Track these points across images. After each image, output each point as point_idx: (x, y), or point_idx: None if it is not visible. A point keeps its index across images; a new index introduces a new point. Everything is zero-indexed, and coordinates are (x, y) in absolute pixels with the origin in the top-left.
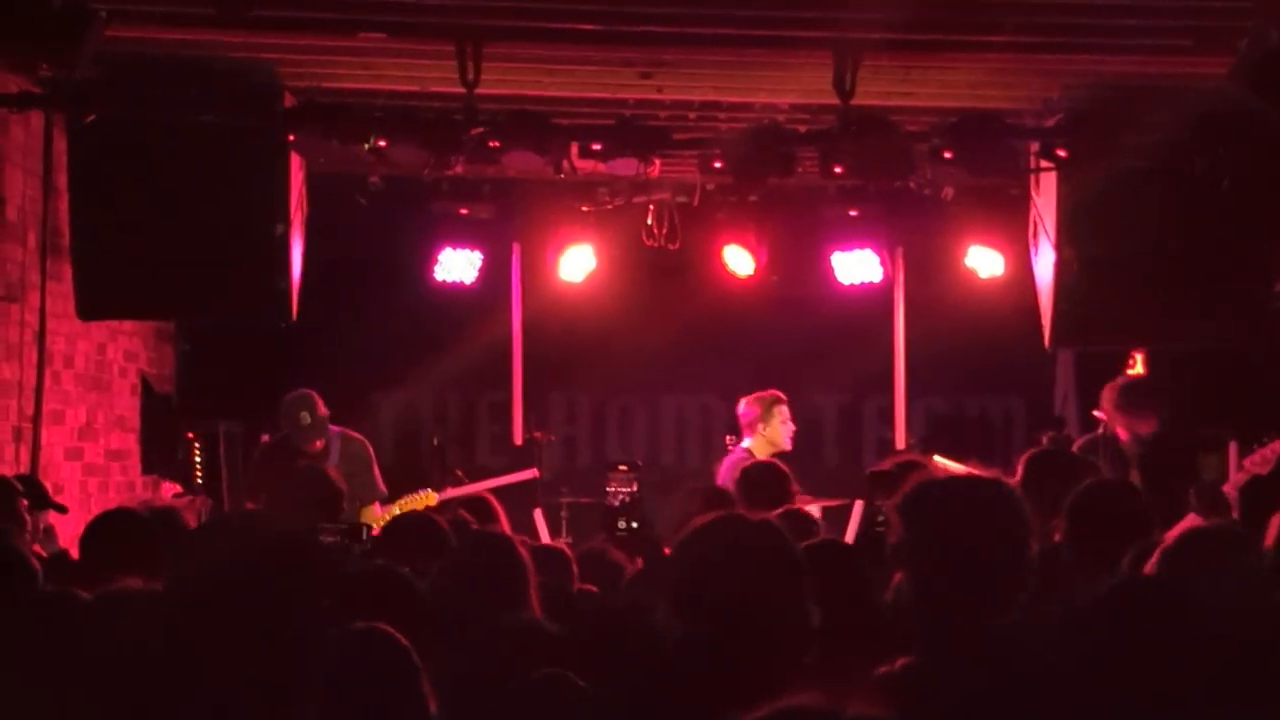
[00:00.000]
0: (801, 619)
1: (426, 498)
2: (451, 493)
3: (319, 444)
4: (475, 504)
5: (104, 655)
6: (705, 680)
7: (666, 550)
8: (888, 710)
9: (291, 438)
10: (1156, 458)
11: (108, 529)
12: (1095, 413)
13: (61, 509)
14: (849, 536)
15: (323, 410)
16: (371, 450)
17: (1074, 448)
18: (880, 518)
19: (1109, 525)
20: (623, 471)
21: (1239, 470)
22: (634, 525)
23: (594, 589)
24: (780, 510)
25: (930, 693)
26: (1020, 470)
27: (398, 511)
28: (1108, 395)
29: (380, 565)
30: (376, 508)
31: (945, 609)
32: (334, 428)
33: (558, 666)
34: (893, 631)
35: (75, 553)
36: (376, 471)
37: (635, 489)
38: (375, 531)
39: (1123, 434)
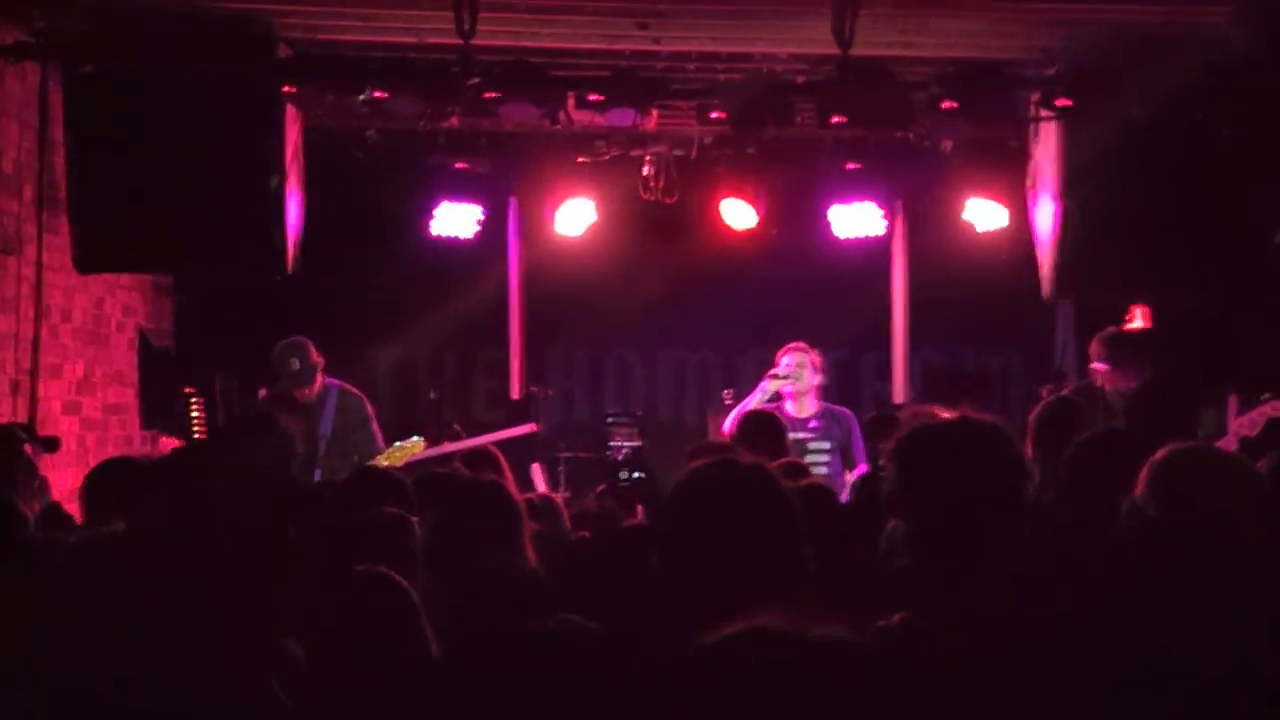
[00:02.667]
0: (793, 562)
1: (413, 446)
2: (449, 447)
3: (309, 392)
4: (479, 456)
5: (89, 598)
6: (692, 621)
7: None
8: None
9: (285, 386)
10: (1143, 411)
11: (108, 476)
12: (1093, 365)
13: (51, 444)
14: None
15: (315, 358)
16: (369, 406)
17: None
18: (881, 461)
19: (1109, 475)
20: (626, 424)
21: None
22: (635, 475)
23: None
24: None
25: (928, 648)
26: (1030, 421)
27: (385, 463)
28: (1094, 346)
29: (375, 512)
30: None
31: (939, 551)
32: (333, 381)
33: (550, 611)
34: (883, 577)
35: (70, 507)
36: (375, 428)
37: (639, 442)
38: None
39: (1106, 385)
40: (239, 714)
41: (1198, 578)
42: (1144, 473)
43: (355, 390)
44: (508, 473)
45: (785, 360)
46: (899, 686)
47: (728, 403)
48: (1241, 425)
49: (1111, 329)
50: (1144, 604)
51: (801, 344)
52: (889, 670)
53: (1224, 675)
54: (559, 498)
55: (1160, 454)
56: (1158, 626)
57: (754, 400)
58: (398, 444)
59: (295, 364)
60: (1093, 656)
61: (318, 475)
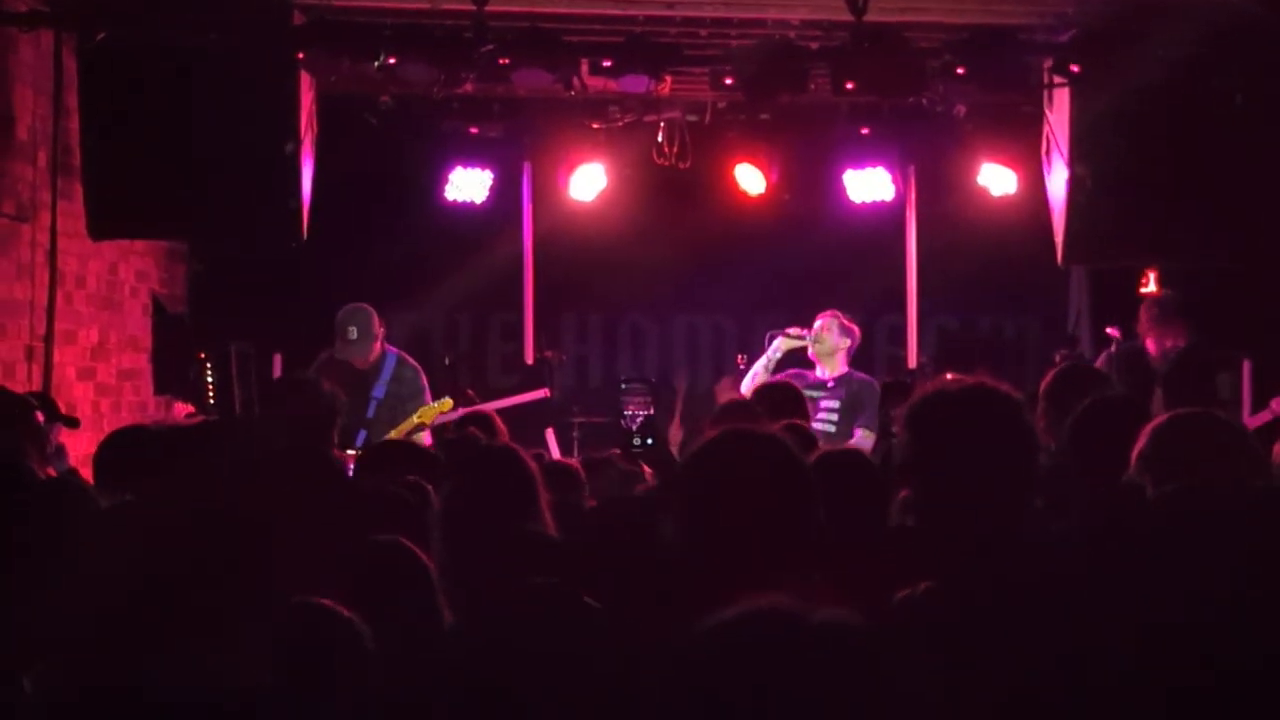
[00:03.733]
0: (807, 532)
1: (442, 405)
2: (463, 412)
3: (364, 361)
4: (476, 420)
5: (107, 565)
6: (708, 591)
7: None
8: (862, 619)
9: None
10: (1179, 375)
11: (121, 445)
12: (1108, 329)
13: (73, 422)
14: None
15: (376, 328)
16: (424, 378)
17: (1097, 365)
18: (894, 428)
19: (1111, 442)
20: (639, 390)
21: (1265, 408)
22: (649, 442)
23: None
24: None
25: (954, 617)
26: (1044, 385)
27: (417, 421)
28: (1143, 311)
29: (392, 480)
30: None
31: (949, 521)
32: (392, 349)
33: (566, 578)
34: (898, 545)
35: (86, 473)
36: (428, 399)
37: (651, 411)
38: None
39: (1153, 348)
40: (235, 695)
41: (1200, 549)
42: (1138, 443)
43: (413, 361)
44: (504, 435)
45: (816, 324)
46: (902, 670)
47: (741, 367)
48: None
49: (1154, 292)
50: (1150, 575)
51: (834, 311)
52: (892, 653)
53: (1235, 645)
54: (576, 463)
55: (1153, 423)
56: (1165, 599)
57: (763, 361)
58: (427, 406)
59: (353, 332)
60: (1107, 628)
61: (363, 437)
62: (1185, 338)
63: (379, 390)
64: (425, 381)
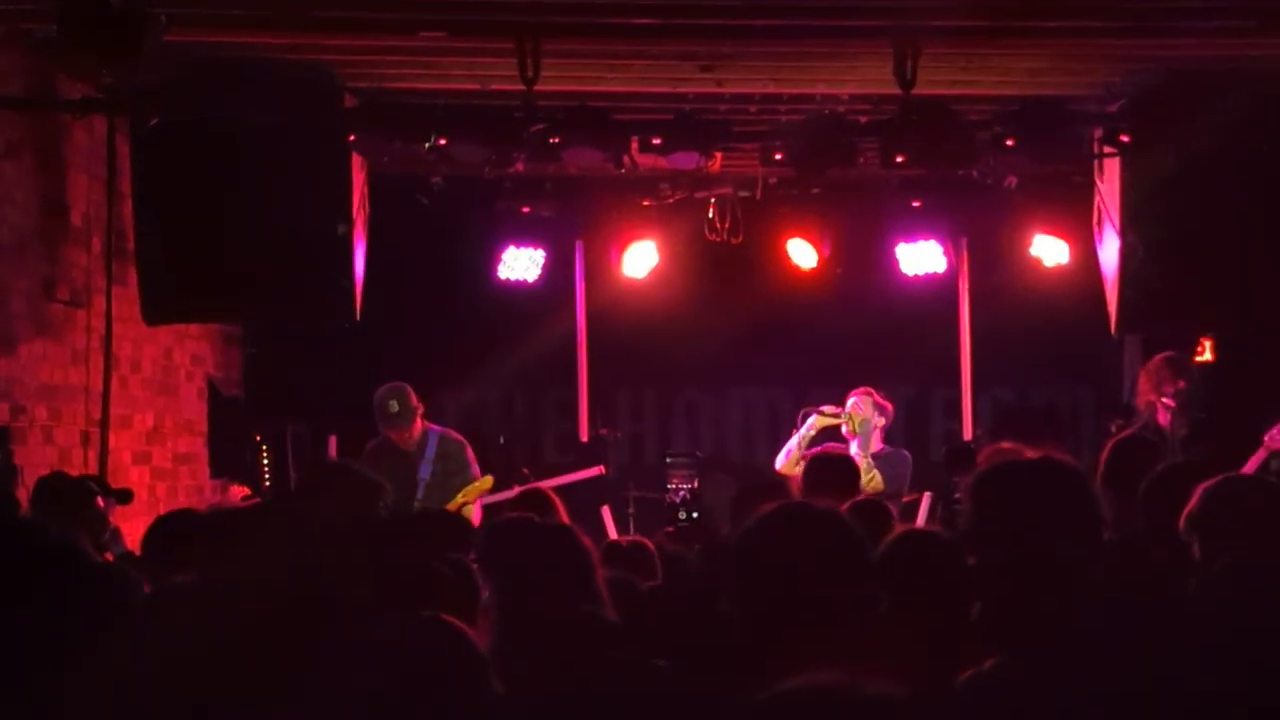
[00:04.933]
0: (863, 604)
1: (483, 483)
2: (519, 490)
3: (409, 435)
4: (532, 497)
5: (161, 646)
6: (765, 665)
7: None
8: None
9: (384, 433)
10: (1203, 444)
11: (169, 529)
12: (1164, 399)
13: (125, 496)
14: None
15: (415, 403)
16: (470, 451)
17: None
18: (956, 494)
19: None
20: (683, 465)
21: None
22: (694, 516)
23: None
24: (853, 500)
25: (1023, 695)
26: (1103, 457)
27: (460, 500)
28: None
29: (445, 559)
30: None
31: (1013, 592)
32: (434, 427)
33: (622, 657)
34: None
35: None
36: (476, 472)
37: (695, 485)
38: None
39: (1163, 419)
40: None
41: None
42: (1189, 505)
43: (457, 435)
44: (562, 513)
45: (849, 402)
46: None
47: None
48: None
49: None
50: (1214, 649)
51: (867, 388)
52: None
53: None
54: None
55: (1203, 486)
56: (1229, 673)
57: (796, 439)
58: (471, 486)
59: (394, 406)
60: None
61: None
62: (1183, 383)
63: (425, 471)
64: (471, 453)
